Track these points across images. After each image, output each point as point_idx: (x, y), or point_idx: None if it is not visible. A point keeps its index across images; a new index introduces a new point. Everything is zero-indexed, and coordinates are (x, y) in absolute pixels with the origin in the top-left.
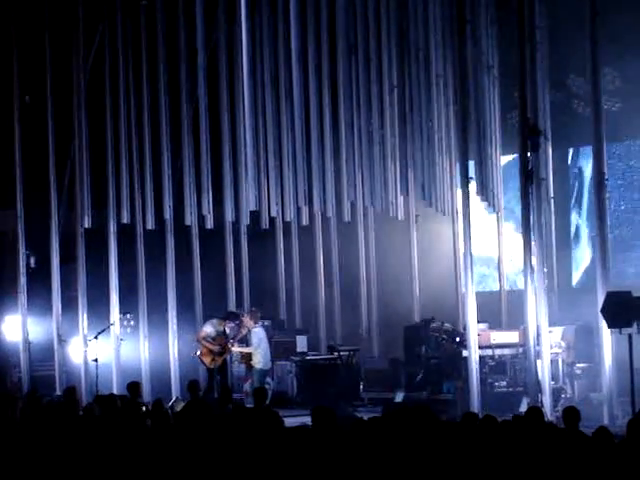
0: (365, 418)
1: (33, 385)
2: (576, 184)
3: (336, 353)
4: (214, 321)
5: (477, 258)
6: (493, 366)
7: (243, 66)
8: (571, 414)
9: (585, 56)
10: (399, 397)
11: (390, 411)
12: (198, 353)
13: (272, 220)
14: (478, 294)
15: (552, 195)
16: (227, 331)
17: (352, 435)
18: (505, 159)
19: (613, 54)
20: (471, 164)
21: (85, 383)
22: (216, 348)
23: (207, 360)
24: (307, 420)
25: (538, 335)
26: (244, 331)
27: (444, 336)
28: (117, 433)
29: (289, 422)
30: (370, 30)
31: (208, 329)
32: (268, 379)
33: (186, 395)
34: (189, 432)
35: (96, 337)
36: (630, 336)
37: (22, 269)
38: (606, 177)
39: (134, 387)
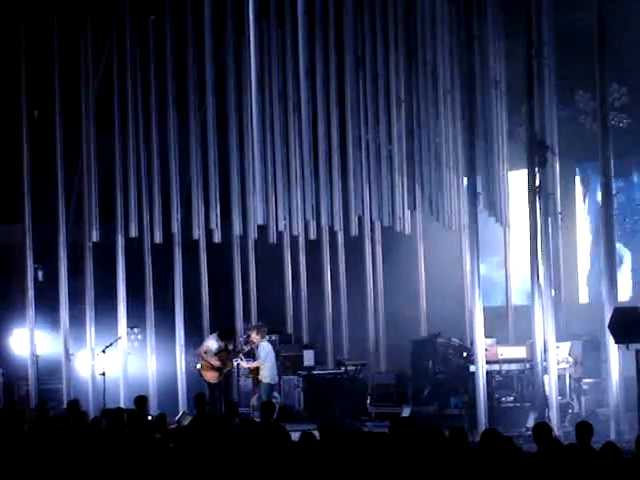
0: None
1: (42, 398)
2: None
3: (343, 368)
4: (216, 335)
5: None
6: (500, 381)
7: (251, 80)
8: (584, 429)
9: (593, 72)
10: (406, 412)
11: (397, 428)
12: (198, 367)
13: (279, 234)
14: (485, 309)
15: (559, 210)
16: (230, 347)
17: (359, 449)
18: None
19: (621, 70)
20: (478, 179)
21: (92, 397)
22: (216, 363)
23: (208, 375)
24: (314, 434)
25: (545, 350)
26: (247, 348)
27: (451, 351)
28: (123, 446)
29: (296, 437)
30: (378, 45)
31: (209, 343)
32: (275, 393)
33: (193, 409)
34: (197, 446)
35: (103, 351)
36: (637, 351)
37: (30, 282)
38: (614, 193)
39: (141, 401)
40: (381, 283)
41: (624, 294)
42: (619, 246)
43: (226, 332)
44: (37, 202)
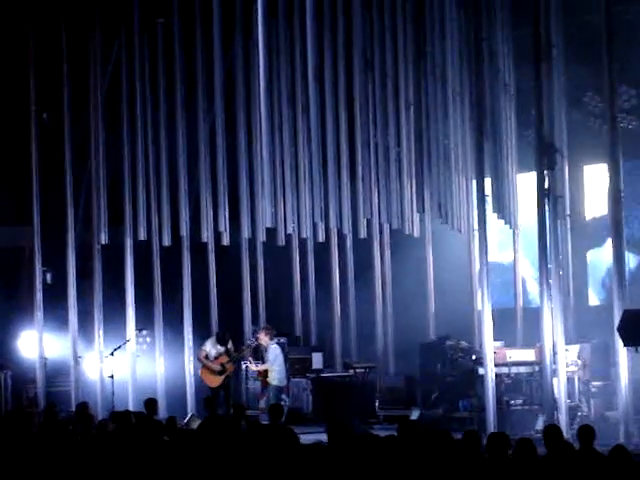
0: (380, 435)
1: (50, 400)
2: None
3: (352, 370)
4: (214, 339)
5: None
6: (509, 384)
7: (260, 82)
8: (586, 433)
9: (601, 74)
10: (415, 415)
11: (406, 430)
12: (199, 372)
13: (288, 237)
14: (494, 311)
15: (568, 213)
16: (229, 349)
17: (368, 452)
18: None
19: (630, 72)
20: (487, 181)
21: (101, 399)
22: (217, 367)
23: (208, 379)
24: (322, 437)
25: (554, 353)
26: (254, 345)
27: (460, 354)
28: (131, 449)
29: (304, 439)
30: (387, 47)
31: (208, 348)
32: (284, 396)
33: (202, 412)
34: (204, 449)
35: (112, 353)
36: None
37: (38, 285)
38: (623, 195)
39: (151, 404)
40: (389, 286)
41: None
42: None
43: (220, 337)
44: (46, 204)
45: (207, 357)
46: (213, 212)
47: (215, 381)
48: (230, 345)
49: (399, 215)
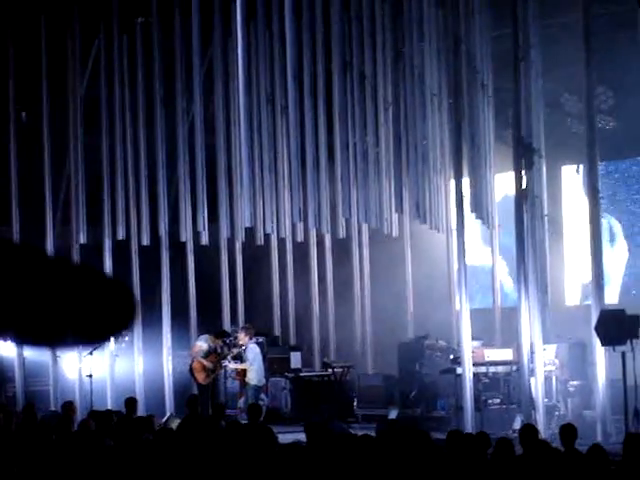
0: (358, 435)
1: (29, 400)
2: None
3: (330, 370)
4: (207, 337)
5: (471, 274)
6: (487, 383)
7: (239, 83)
8: (568, 432)
9: (579, 75)
10: (393, 414)
11: (384, 429)
12: (191, 366)
13: (267, 236)
14: (472, 311)
15: (546, 213)
16: (218, 349)
17: (346, 452)
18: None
19: (607, 72)
20: (465, 182)
21: (80, 399)
22: (209, 365)
23: (199, 376)
24: (301, 437)
25: (532, 352)
26: (235, 351)
27: (438, 353)
28: (112, 448)
29: (283, 438)
30: (365, 48)
31: (201, 344)
32: (262, 395)
33: (180, 411)
34: (184, 448)
35: (91, 353)
36: (623, 354)
37: None
38: (600, 195)
39: (131, 403)
40: (368, 285)
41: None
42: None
43: (221, 332)
44: (24, 204)
45: (198, 353)
46: (192, 212)
47: (206, 379)
48: (221, 344)
49: (378, 215)
